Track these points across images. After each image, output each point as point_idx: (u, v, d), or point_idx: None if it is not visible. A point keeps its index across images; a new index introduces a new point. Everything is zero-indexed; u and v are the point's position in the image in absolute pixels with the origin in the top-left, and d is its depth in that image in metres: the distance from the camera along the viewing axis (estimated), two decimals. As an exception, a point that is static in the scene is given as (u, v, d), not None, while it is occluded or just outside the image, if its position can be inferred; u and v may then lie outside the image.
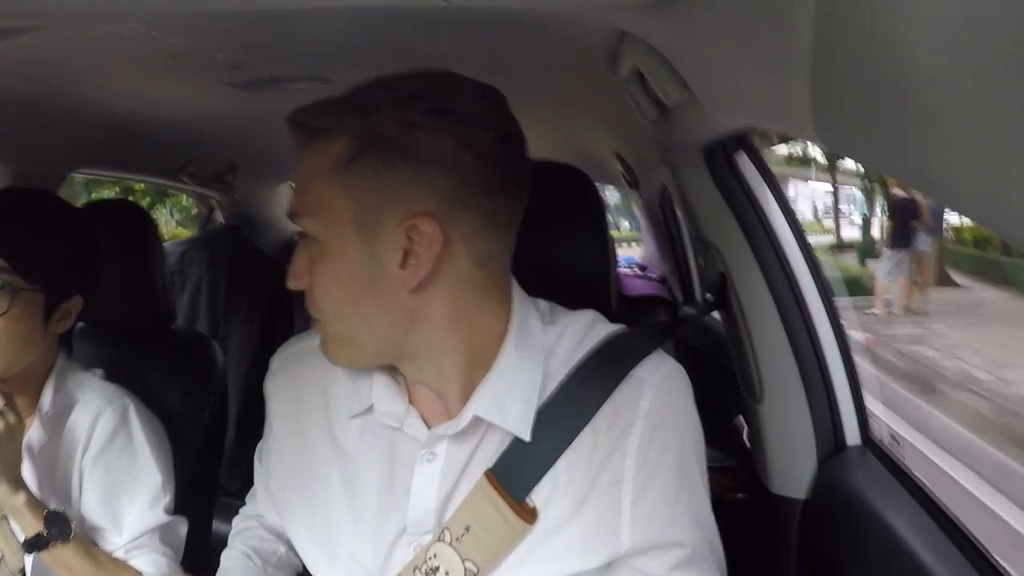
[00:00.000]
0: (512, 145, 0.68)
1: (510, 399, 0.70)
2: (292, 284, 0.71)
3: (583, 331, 0.74)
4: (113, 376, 1.12)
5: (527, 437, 0.69)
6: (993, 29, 0.25)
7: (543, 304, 0.77)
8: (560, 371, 0.72)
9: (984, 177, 0.29)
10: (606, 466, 0.69)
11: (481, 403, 0.70)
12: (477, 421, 0.70)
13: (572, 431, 0.69)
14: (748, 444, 1.29)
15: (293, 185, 0.72)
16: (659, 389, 0.71)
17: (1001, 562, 0.79)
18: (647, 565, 0.71)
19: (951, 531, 0.85)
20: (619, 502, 0.69)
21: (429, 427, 0.73)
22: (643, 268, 2.47)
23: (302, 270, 0.69)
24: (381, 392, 0.74)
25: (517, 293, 0.74)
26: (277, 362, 0.86)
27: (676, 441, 0.71)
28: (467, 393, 0.71)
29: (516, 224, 0.71)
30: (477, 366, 0.71)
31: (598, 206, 1.07)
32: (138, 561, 1.00)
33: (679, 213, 2.04)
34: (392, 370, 0.75)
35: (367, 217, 0.65)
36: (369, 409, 0.74)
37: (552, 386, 0.71)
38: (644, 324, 0.77)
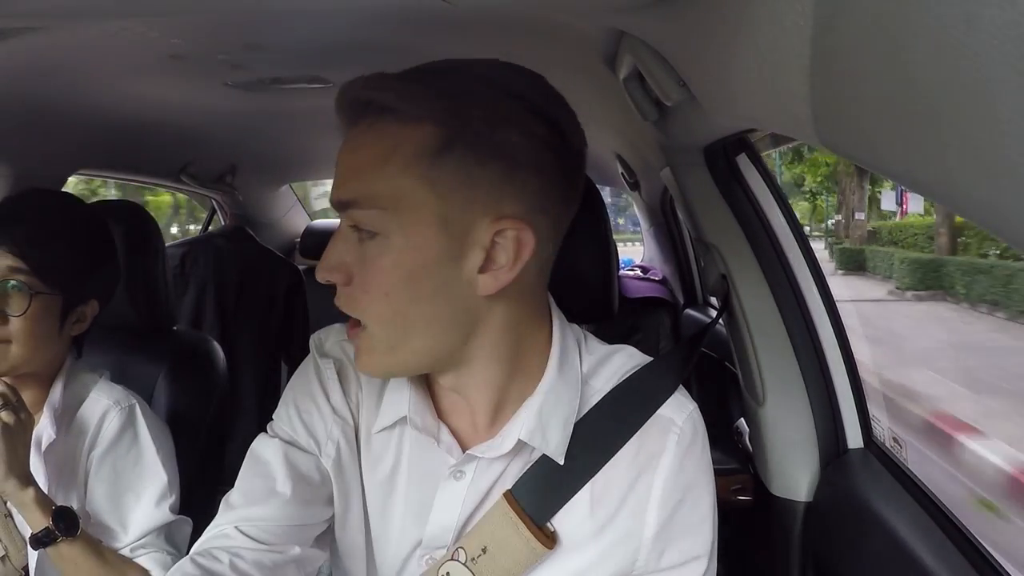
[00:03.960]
0: (584, 155, 0.67)
1: (552, 423, 0.68)
2: (324, 276, 0.63)
3: (619, 365, 0.74)
4: (115, 377, 1.13)
5: (562, 461, 0.68)
6: (993, 29, 0.25)
7: (577, 329, 0.76)
8: (591, 400, 0.72)
9: (984, 179, 0.29)
10: (630, 497, 0.70)
11: (525, 426, 0.68)
12: (516, 444, 0.69)
13: (599, 460, 0.70)
14: (750, 447, 1.29)
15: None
16: (684, 430, 0.71)
17: (1004, 564, 0.79)
18: None
19: (953, 534, 0.84)
20: (641, 530, 0.70)
21: (457, 440, 0.71)
22: (644, 270, 2.47)
23: (339, 261, 0.63)
24: (415, 405, 0.71)
25: (555, 311, 0.73)
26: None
27: (696, 479, 0.72)
28: (499, 405, 0.70)
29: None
30: (515, 377, 0.69)
31: (599, 208, 1.07)
32: (144, 560, 1.00)
33: (680, 214, 2.04)
34: (420, 381, 0.73)
35: (454, 216, 0.59)
36: (400, 421, 0.72)
37: (583, 414, 0.71)
38: (664, 357, 0.78)
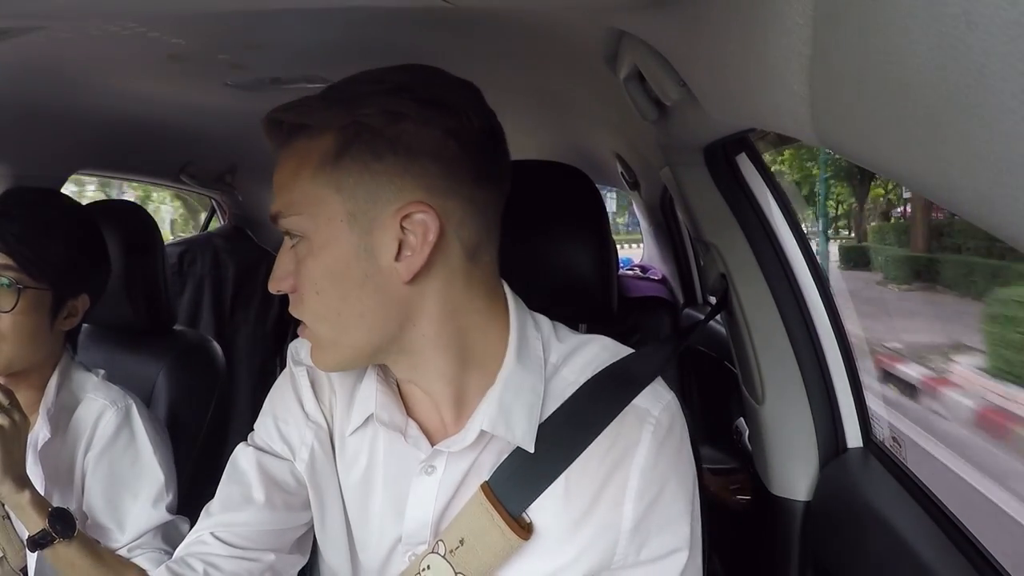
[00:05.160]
0: (495, 135, 0.69)
1: (515, 411, 0.69)
2: (274, 287, 0.69)
3: (592, 355, 0.75)
4: (114, 377, 1.13)
5: (531, 448, 0.69)
6: (993, 29, 0.25)
7: (543, 319, 0.76)
8: (565, 391, 0.72)
9: (984, 178, 0.29)
10: (607, 489, 0.70)
11: (487, 416, 0.69)
12: (481, 434, 0.69)
13: (573, 451, 0.70)
14: (750, 446, 1.29)
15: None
16: (660, 420, 0.71)
17: (1003, 564, 0.79)
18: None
19: (953, 533, 0.84)
20: (619, 523, 0.70)
21: (426, 435, 0.72)
22: (644, 269, 2.47)
23: (285, 272, 0.68)
24: (381, 402, 0.73)
25: (512, 300, 0.73)
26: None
27: (674, 471, 0.71)
28: (460, 398, 0.71)
29: (499, 217, 0.70)
30: (470, 368, 0.70)
31: (599, 207, 1.07)
32: (141, 560, 1.00)
33: (680, 214, 2.04)
34: (388, 380, 0.75)
35: (360, 210, 0.64)
36: (371, 421, 0.74)
37: (555, 405, 0.71)
38: (647, 348, 0.78)
